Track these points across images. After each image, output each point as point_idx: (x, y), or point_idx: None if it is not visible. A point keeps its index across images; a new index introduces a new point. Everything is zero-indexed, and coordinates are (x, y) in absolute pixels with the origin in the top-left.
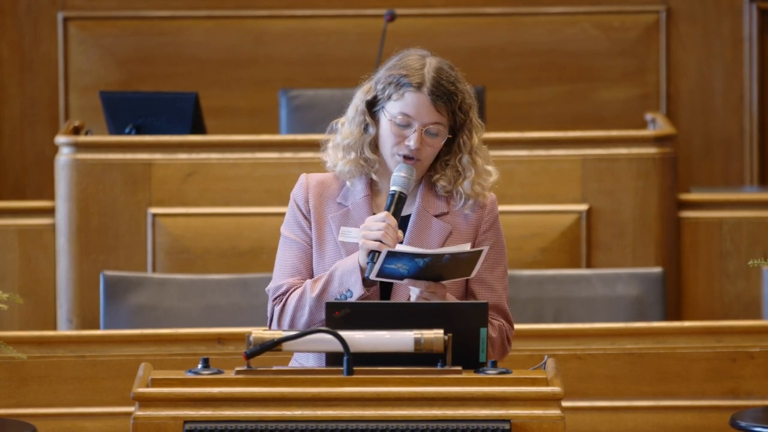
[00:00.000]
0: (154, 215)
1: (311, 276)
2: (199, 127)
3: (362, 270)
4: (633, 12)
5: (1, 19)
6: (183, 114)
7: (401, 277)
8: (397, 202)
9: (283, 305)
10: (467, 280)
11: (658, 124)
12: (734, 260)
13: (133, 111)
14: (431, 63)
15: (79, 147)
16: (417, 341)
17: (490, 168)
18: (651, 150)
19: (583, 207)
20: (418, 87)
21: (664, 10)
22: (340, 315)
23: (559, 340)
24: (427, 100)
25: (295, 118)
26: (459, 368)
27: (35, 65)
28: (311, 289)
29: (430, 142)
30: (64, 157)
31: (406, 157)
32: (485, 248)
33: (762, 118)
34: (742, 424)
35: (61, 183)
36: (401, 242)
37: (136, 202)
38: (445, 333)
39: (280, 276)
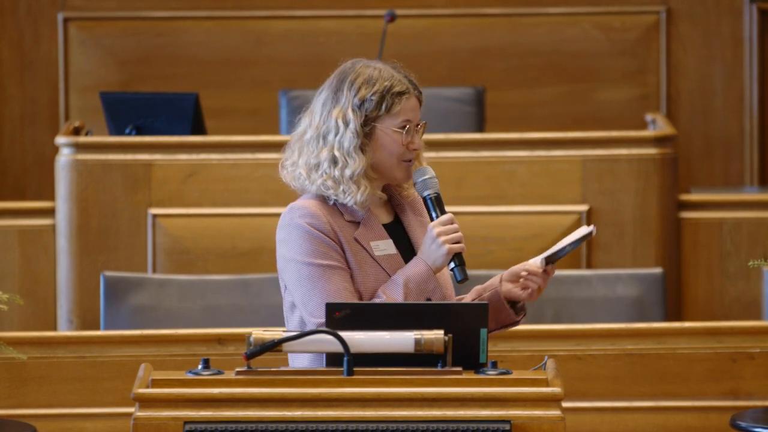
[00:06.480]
0: (155, 216)
1: (360, 299)
2: (199, 128)
3: (453, 275)
4: (633, 12)
5: (1, 19)
6: (183, 114)
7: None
8: (442, 203)
9: None
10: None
11: (659, 125)
12: (734, 261)
13: (134, 111)
14: (392, 67)
15: (79, 147)
16: (417, 342)
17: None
18: (651, 150)
19: (584, 208)
20: (408, 92)
21: (664, 11)
22: (340, 315)
23: (559, 341)
24: (415, 101)
25: (295, 119)
26: (459, 369)
27: (35, 65)
28: None
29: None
30: (64, 157)
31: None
32: (593, 227)
33: (762, 119)
34: (743, 424)
35: (61, 183)
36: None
37: (136, 203)
38: (445, 333)
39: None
